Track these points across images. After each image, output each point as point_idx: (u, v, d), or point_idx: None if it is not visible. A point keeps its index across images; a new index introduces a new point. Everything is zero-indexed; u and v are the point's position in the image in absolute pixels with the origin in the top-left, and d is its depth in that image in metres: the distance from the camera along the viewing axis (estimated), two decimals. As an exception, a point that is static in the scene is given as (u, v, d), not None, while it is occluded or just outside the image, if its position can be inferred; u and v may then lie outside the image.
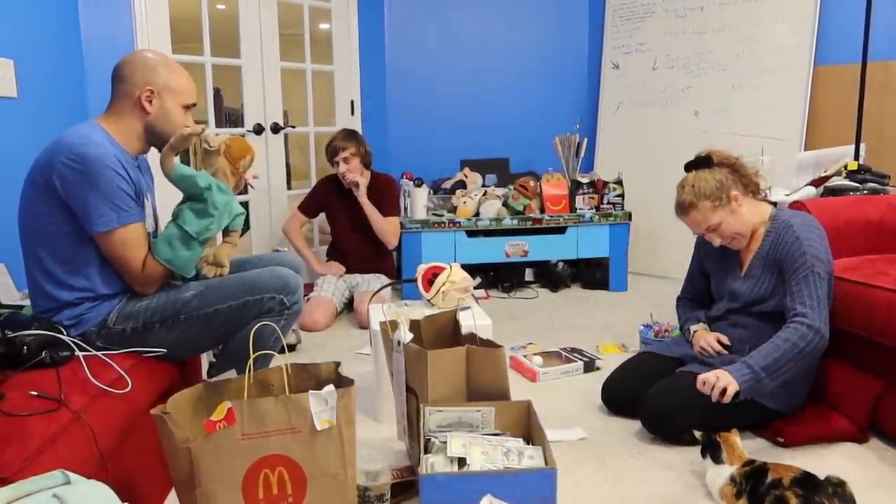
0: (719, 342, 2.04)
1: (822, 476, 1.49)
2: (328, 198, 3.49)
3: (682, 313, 2.24)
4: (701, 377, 1.78)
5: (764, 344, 1.80)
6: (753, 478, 1.55)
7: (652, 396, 1.95)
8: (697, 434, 1.73)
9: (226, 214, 1.79)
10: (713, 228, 1.95)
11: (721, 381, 1.74)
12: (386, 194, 3.44)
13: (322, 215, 3.62)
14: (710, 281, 2.18)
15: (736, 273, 2.04)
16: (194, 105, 1.87)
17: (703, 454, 1.69)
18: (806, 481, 1.47)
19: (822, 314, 1.82)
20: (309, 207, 3.53)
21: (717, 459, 1.65)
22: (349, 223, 3.45)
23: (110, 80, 1.79)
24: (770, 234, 1.95)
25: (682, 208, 1.97)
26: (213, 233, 1.78)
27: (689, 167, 2.02)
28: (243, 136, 3.61)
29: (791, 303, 1.85)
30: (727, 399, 1.73)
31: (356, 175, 3.31)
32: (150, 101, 1.76)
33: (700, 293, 2.23)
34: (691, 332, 2.14)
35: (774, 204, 2.04)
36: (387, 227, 3.39)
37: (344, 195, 3.44)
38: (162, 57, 1.82)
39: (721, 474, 1.62)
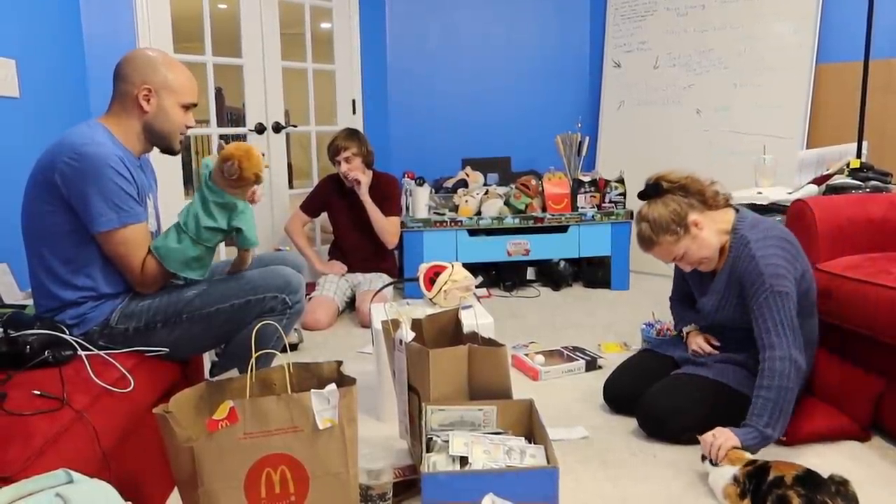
0: (710, 343, 2.04)
1: (824, 475, 1.48)
2: (330, 197, 3.49)
3: (675, 314, 2.25)
4: (703, 440, 1.71)
5: (753, 399, 1.75)
6: (756, 477, 1.54)
7: (648, 399, 1.95)
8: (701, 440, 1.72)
9: (221, 219, 1.76)
10: (679, 258, 1.91)
11: (718, 441, 1.67)
12: (388, 194, 3.44)
13: (324, 214, 3.62)
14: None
15: (707, 285, 2.00)
16: (194, 105, 1.86)
17: (704, 457, 1.69)
18: (808, 480, 1.47)
19: (790, 338, 1.75)
20: (310, 207, 3.53)
21: (716, 462, 1.64)
22: (350, 222, 3.45)
23: (112, 78, 1.79)
24: (731, 249, 1.88)
25: (644, 244, 1.91)
26: (203, 230, 1.73)
27: (641, 196, 1.94)
28: (245, 136, 3.62)
29: (758, 333, 1.80)
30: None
31: (358, 173, 3.31)
32: (148, 100, 1.76)
33: (688, 294, 2.22)
34: (684, 333, 2.14)
35: (737, 210, 1.94)
36: (387, 227, 3.38)
37: (345, 194, 3.44)
38: (163, 55, 1.81)
39: (724, 475, 1.61)
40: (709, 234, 1.88)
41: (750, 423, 1.72)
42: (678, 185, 1.89)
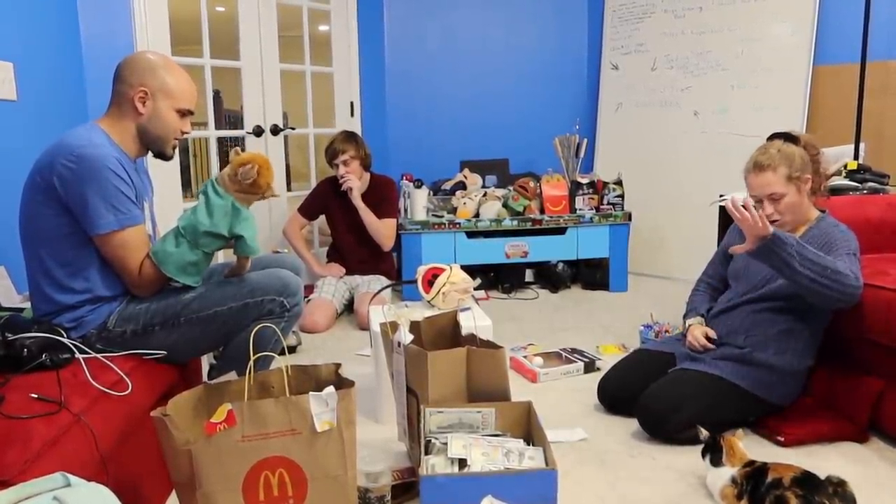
0: (708, 337, 2.05)
1: (822, 476, 1.49)
2: (327, 200, 3.49)
3: (690, 302, 2.24)
4: (738, 201, 1.77)
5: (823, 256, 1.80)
6: (754, 478, 1.55)
7: (647, 398, 1.96)
8: (703, 434, 1.71)
9: (222, 225, 1.76)
10: (776, 197, 1.93)
11: (759, 213, 1.73)
12: (384, 196, 3.44)
13: (322, 217, 3.62)
14: (728, 266, 2.17)
15: None
16: (191, 112, 1.84)
17: (704, 454, 1.69)
18: (806, 481, 1.47)
19: (859, 276, 1.81)
20: (308, 209, 3.53)
21: (716, 462, 1.64)
22: (348, 225, 3.45)
23: (112, 80, 1.79)
24: (812, 229, 1.96)
25: (759, 167, 1.94)
26: (202, 235, 1.72)
27: (778, 136, 2.00)
28: (243, 139, 3.62)
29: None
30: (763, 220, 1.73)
31: (353, 178, 3.31)
32: (143, 102, 1.75)
33: (718, 277, 2.23)
34: (686, 324, 2.14)
35: (824, 212, 2.03)
36: (381, 230, 3.39)
37: (343, 197, 3.45)
38: (163, 59, 1.81)
39: (721, 476, 1.62)
40: (804, 201, 1.96)
41: (794, 238, 1.77)
42: (811, 151, 1.98)
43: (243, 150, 3.33)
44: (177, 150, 1.89)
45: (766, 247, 1.75)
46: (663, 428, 1.92)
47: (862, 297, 1.88)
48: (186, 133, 1.85)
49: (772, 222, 1.94)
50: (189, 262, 1.74)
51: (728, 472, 1.60)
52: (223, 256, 3.47)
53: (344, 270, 3.46)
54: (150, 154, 1.86)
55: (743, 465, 1.60)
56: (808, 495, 1.44)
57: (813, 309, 1.89)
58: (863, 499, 1.47)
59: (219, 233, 1.74)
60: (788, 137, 1.99)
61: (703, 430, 1.72)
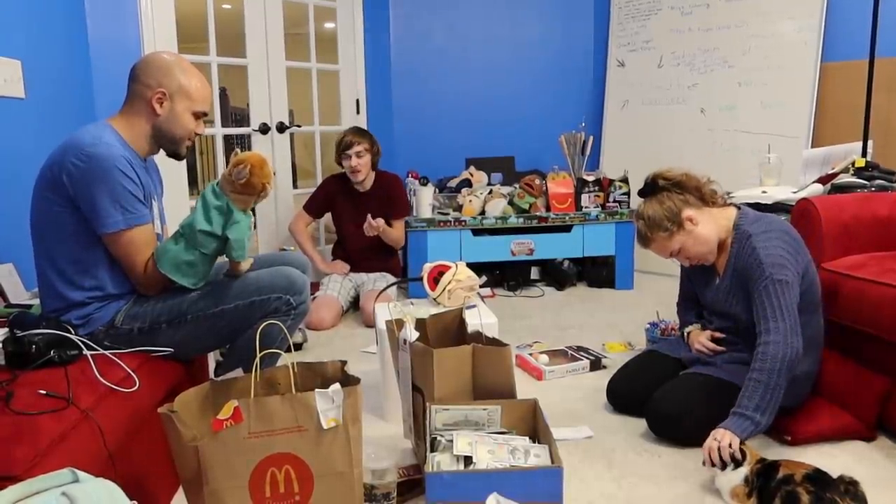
0: (714, 339, 2.04)
1: (832, 475, 1.48)
2: (334, 197, 3.49)
3: (680, 317, 2.25)
4: (705, 449, 1.67)
5: (744, 385, 1.74)
6: (764, 474, 1.54)
7: (657, 400, 1.95)
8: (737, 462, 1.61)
9: (217, 225, 1.74)
10: (676, 254, 1.94)
11: (724, 441, 1.64)
12: (394, 196, 3.45)
13: (327, 214, 3.62)
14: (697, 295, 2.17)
15: (713, 282, 2.01)
16: (205, 115, 1.85)
17: (724, 465, 1.62)
18: (818, 478, 1.46)
19: (788, 323, 1.75)
20: (314, 207, 3.53)
21: (739, 465, 1.60)
22: (354, 222, 3.45)
23: (127, 80, 1.79)
24: (734, 243, 1.92)
25: (641, 241, 1.97)
26: (198, 234, 1.72)
27: (640, 194, 1.99)
28: (249, 137, 3.63)
29: (756, 320, 1.81)
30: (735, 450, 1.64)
31: (376, 226, 3.27)
32: (161, 103, 1.76)
33: (693, 295, 2.21)
34: (685, 334, 2.15)
35: (739, 208, 1.97)
36: (398, 238, 3.43)
37: (350, 194, 3.45)
38: (181, 60, 1.81)
39: (734, 476, 1.60)
40: (705, 229, 1.91)
41: (739, 411, 1.70)
42: (674, 182, 1.93)
43: (249, 148, 3.35)
44: (188, 151, 1.89)
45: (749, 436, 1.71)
46: (673, 431, 1.91)
47: (870, 294, 1.87)
48: (200, 134, 1.86)
49: (698, 265, 1.98)
50: (184, 261, 1.73)
51: (741, 472, 1.59)
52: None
53: (349, 268, 3.47)
54: (162, 153, 1.86)
55: (754, 462, 1.59)
56: (819, 492, 1.43)
57: (802, 314, 1.85)
58: (870, 497, 1.47)
59: (214, 233, 1.73)
60: (645, 191, 1.95)
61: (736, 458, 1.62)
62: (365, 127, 4.00)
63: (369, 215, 3.29)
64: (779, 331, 1.74)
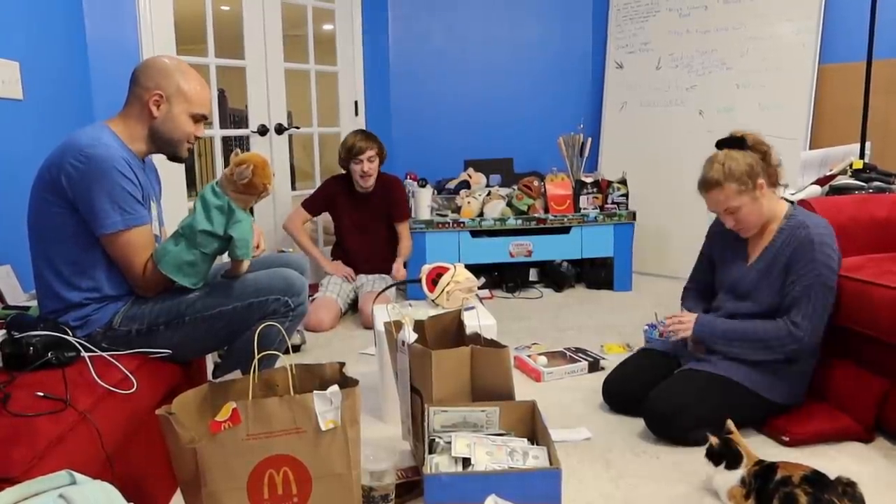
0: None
1: (830, 476, 1.48)
2: (336, 197, 3.49)
3: (686, 306, 2.24)
4: (668, 319, 2.05)
5: (740, 321, 1.91)
6: (762, 476, 1.54)
7: (654, 398, 1.95)
8: (714, 441, 1.65)
9: (218, 225, 1.74)
10: (731, 211, 1.93)
11: (686, 319, 2.01)
12: (396, 199, 3.46)
13: (326, 216, 3.62)
14: (713, 272, 2.17)
15: (741, 263, 2.03)
16: (205, 118, 1.85)
17: (710, 457, 1.65)
18: (816, 480, 1.47)
19: (814, 326, 1.85)
20: (314, 205, 3.52)
21: (733, 465, 1.61)
22: (355, 224, 3.45)
23: (126, 81, 1.79)
24: (784, 231, 1.93)
25: (707, 185, 1.93)
26: (198, 234, 1.72)
27: (721, 145, 1.97)
28: (247, 138, 3.62)
29: (788, 305, 1.87)
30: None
31: (403, 274, 3.39)
32: (158, 105, 1.76)
33: (705, 283, 2.22)
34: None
35: (792, 203, 2.01)
36: (409, 246, 3.50)
37: (351, 195, 3.45)
38: (180, 64, 1.81)
39: (731, 477, 1.60)
40: (766, 204, 1.93)
41: (714, 323, 1.97)
42: (760, 150, 1.94)
43: (247, 149, 3.34)
44: (189, 153, 1.89)
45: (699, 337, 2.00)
46: (670, 428, 1.92)
47: (869, 295, 1.87)
48: (199, 137, 1.85)
49: (739, 231, 1.99)
50: (185, 262, 1.73)
51: (737, 473, 1.60)
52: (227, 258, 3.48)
53: (353, 273, 3.45)
54: (163, 156, 1.86)
55: (752, 464, 1.59)
56: (817, 493, 1.43)
57: None
58: (868, 498, 1.47)
59: (215, 232, 1.73)
60: (734, 142, 1.94)
61: (713, 438, 1.66)
62: (364, 128, 4.00)
63: (397, 266, 3.41)
64: (805, 329, 1.84)
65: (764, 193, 1.91)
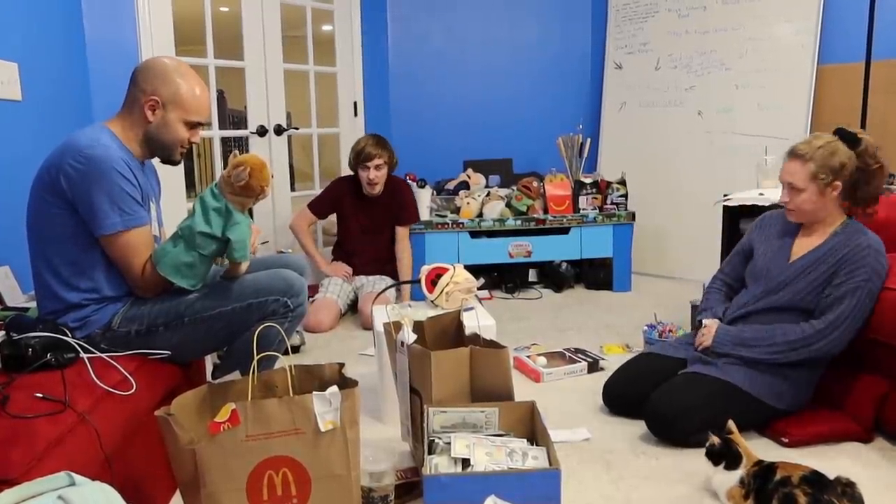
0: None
1: (829, 476, 1.48)
2: (342, 199, 3.48)
3: (706, 301, 2.23)
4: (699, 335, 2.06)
5: (772, 326, 1.93)
6: (761, 476, 1.54)
7: (656, 400, 1.95)
8: (715, 441, 1.66)
9: (216, 226, 1.74)
10: (794, 188, 1.92)
11: (706, 339, 2.02)
12: (404, 202, 3.45)
13: (327, 218, 3.61)
14: (747, 265, 2.15)
15: (783, 260, 2.01)
16: (201, 125, 1.84)
17: (710, 458, 1.66)
18: (815, 480, 1.47)
19: (846, 327, 1.85)
20: (321, 207, 3.51)
21: (732, 466, 1.61)
22: (360, 227, 3.45)
23: (126, 82, 1.79)
24: (839, 234, 1.93)
25: (793, 153, 1.93)
26: (197, 235, 1.72)
27: (839, 132, 1.93)
28: (246, 139, 3.62)
29: (823, 305, 1.88)
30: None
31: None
32: (153, 111, 1.75)
33: (735, 276, 2.20)
34: (703, 323, 2.12)
35: (850, 217, 1.99)
36: (409, 256, 3.47)
37: (360, 199, 3.44)
38: (179, 66, 1.79)
39: (730, 477, 1.60)
40: (828, 205, 1.92)
41: (734, 332, 1.99)
42: (866, 162, 1.89)
43: (246, 150, 3.34)
44: (182, 157, 1.89)
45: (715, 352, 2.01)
46: (671, 431, 1.91)
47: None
48: (194, 142, 1.84)
49: (788, 210, 1.98)
50: (184, 263, 1.73)
51: (737, 473, 1.59)
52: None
53: (351, 271, 3.45)
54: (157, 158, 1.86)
55: (751, 464, 1.59)
56: (816, 493, 1.43)
57: None
58: (867, 499, 1.47)
59: (213, 234, 1.73)
60: (848, 136, 1.91)
61: (714, 437, 1.66)
62: (363, 129, 4.01)
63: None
64: (829, 330, 1.86)
65: (834, 196, 1.90)
